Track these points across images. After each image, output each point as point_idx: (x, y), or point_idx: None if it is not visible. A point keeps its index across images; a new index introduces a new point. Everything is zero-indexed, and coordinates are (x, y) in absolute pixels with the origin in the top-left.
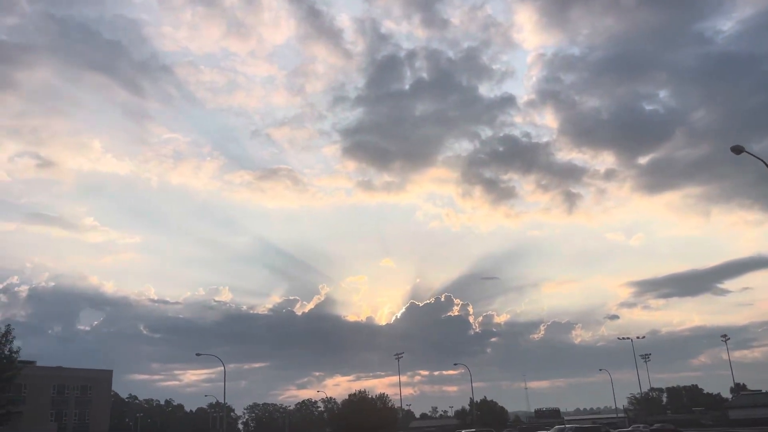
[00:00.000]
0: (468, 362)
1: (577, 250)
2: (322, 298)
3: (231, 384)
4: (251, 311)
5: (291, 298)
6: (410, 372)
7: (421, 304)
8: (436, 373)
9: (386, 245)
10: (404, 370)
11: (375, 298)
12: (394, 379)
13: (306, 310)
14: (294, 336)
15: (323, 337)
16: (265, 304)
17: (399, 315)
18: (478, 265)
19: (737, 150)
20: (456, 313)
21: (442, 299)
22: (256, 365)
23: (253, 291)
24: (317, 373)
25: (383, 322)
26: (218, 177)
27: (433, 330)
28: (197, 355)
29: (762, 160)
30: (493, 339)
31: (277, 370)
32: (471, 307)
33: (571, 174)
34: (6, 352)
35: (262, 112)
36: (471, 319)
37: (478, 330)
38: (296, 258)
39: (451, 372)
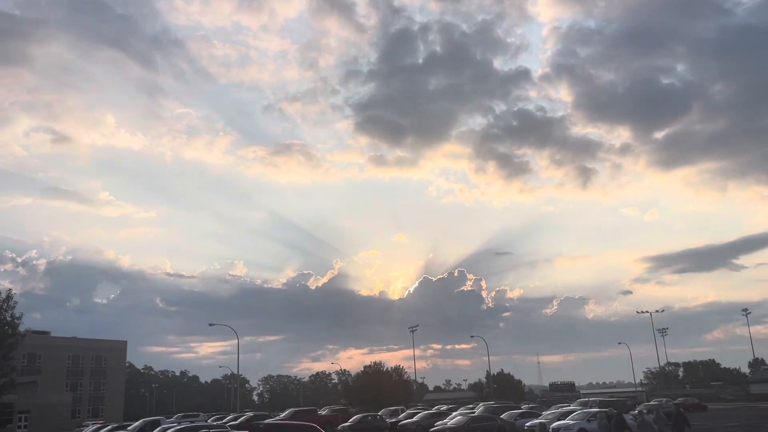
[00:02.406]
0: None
1: (591, 225)
2: (336, 273)
3: (246, 357)
4: (265, 285)
5: (305, 272)
6: (423, 346)
7: (434, 279)
8: (448, 347)
9: (399, 220)
10: (417, 344)
11: (388, 272)
12: (407, 352)
13: (319, 284)
14: (308, 310)
15: (337, 310)
16: (279, 278)
17: (412, 290)
18: (491, 240)
19: None
20: (469, 288)
21: (455, 274)
22: (271, 338)
23: (268, 265)
24: (331, 346)
25: (396, 297)
26: (231, 152)
27: (446, 304)
28: (210, 325)
29: None
30: (506, 314)
31: (291, 343)
32: (484, 281)
33: (585, 149)
34: (8, 318)
35: (274, 86)
36: (484, 293)
37: (491, 305)
38: (310, 233)
39: (464, 346)
